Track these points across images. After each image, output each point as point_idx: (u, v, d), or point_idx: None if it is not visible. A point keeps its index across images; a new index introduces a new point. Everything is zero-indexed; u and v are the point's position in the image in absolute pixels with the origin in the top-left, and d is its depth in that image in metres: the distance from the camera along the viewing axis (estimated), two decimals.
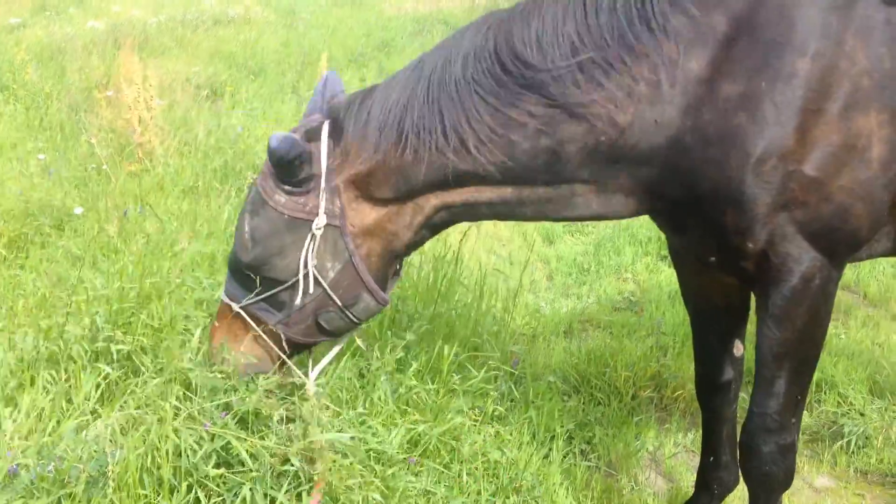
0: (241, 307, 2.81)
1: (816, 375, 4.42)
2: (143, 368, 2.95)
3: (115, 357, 3.07)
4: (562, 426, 3.82)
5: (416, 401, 3.31)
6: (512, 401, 3.87)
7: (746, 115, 2.40)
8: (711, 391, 3.31)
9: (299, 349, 2.97)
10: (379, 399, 3.16)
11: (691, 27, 2.40)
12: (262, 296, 2.77)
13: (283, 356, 2.89)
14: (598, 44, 2.42)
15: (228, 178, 6.13)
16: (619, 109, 2.43)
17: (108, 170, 6.01)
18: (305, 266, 2.70)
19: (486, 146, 2.53)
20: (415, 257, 4.51)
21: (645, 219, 3.03)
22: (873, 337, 5.08)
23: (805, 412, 4.25)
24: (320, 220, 2.66)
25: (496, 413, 3.65)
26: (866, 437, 4.00)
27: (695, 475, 3.55)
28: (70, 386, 2.99)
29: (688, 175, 2.49)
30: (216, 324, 2.90)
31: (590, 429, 4.02)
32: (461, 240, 4.40)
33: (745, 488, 2.95)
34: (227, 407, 2.75)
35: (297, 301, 2.75)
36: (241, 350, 2.83)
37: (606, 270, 6.24)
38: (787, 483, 2.88)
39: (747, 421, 2.84)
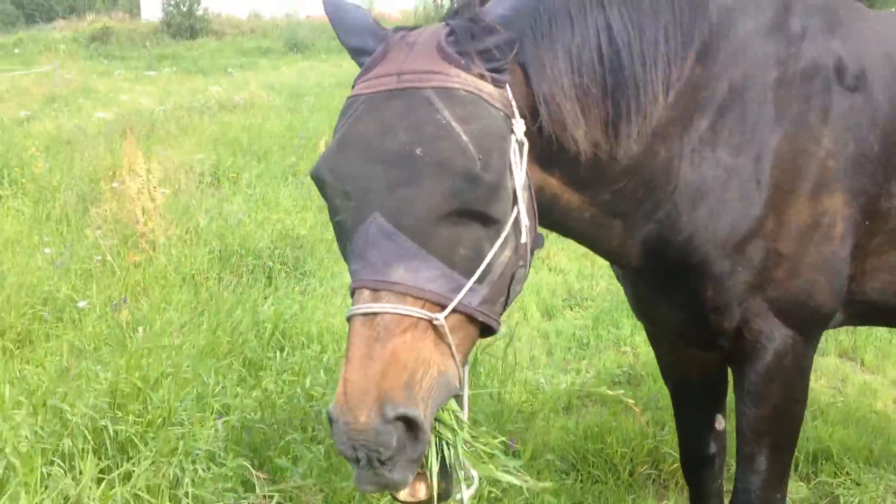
0: (466, 290, 1.89)
1: (813, 446, 4.46)
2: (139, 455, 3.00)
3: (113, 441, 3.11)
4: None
5: None
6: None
7: (738, 190, 2.48)
8: (696, 466, 3.35)
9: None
10: None
11: (704, 89, 2.46)
12: (494, 251, 1.94)
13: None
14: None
15: (228, 265, 6.26)
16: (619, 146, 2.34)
17: (112, 261, 6.15)
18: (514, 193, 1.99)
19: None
20: None
21: None
22: (870, 404, 5.09)
23: (802, 483, 4.26)
24: (521, 123, 2.05)
25: (492, 496, 3.69)
26: None
27: None
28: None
29: (683, 238, 2.52)
30: (385, 355, 1.79)
31: None
32: None
33: None
34: None
35: (508, 249, 2.00)
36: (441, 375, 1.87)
37: (605, 344, 6.29)
38: None
39: (733, 498, 2.88)
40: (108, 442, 3.05)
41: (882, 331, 6.09)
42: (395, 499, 1.92)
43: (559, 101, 2.19)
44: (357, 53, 2.13)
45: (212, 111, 15.68)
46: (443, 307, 1.86)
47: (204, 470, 2.83)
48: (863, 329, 6.07)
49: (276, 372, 4.23)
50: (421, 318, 1.83)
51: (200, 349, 4.26)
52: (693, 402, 3.30)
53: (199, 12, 41.79)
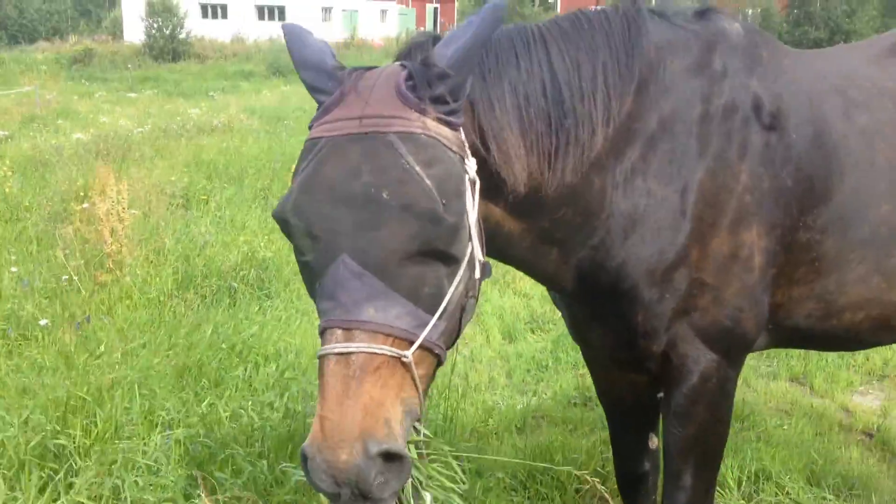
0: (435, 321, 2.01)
1: (755, 466, 4.57)
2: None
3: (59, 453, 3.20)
4: None
5: None
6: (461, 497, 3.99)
7: (666, 220, 2.61)
8: (630, 484, 3.47)
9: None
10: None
11: (636, 121, 2.58)
12: (453, 287, 2.04)
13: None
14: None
15: (193, 285, 6.35)
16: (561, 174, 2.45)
17: (78, 281, 6.22)
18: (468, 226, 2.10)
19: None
20: None
21: None
22: (816, 427, 5.22)
23: (743, 501, 4.37)
24: (472, 162, 2.15)
25: None
26: None
27: None
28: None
29: (616, 265, 2.63)
30: (369, 393, 1.88)
31: None
32: None
33: None
34: None
35: (462, 284, 2.09)
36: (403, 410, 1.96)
37: (564, 366, 6.39)
38: None
39: None
40: (52, 454, 3.15)
41: (833, 356, 6.24)
42: None
43: (506, 136, 2.30)
44: (312, 90, 2.19)
45: (189, 134, 15.74)
46: (409, 342, 1.95)
47: (144, 481, 2.92)
48: (814, 355, 6.22)
49: (231, 389, 4.31)
50: (390, 356, 1.91)
51: (158, 367, 4.34)
52: (627, 422, 3.41)
53: (182, 35, 41.98)
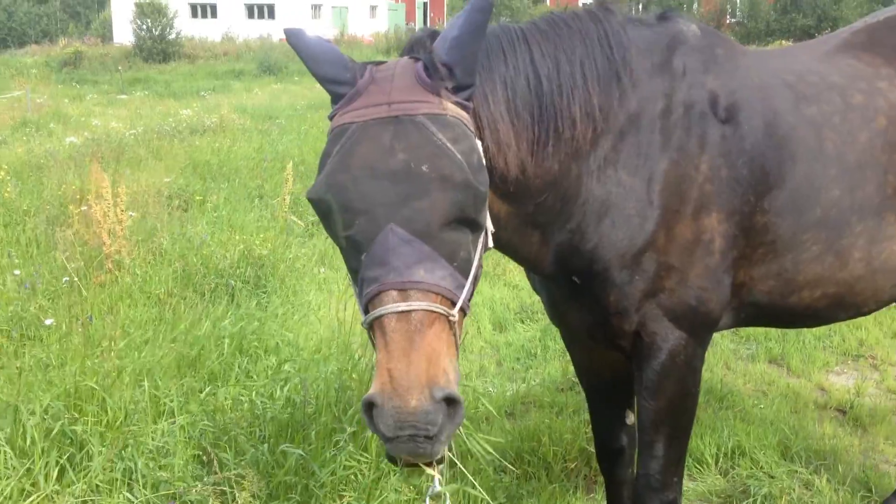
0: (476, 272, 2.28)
1: (731, 442, 4.81)
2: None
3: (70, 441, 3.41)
4: (494, 500, 4.16)
5: (349, 479, 3.68)
6: (452, 477, 4.22)
7: (634, 207, 2.84)
8: (609, 457, 3.69)
9: None
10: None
11: (611, 115, 2.81)
12: (478, 252, 2.31)
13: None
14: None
15: (192, 284, 6.56)
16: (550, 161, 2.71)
17: (78, 282, 6.42)
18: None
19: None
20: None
21: None
22: (792, 405, 5.46)
23: (720, 476, 4.61)
24: (480, 143, 2.40)
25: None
26: (773, 497, 4.35)
27: None
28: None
29: (590, 248, 2.85)
30: (433, 344, 2.08)
31: (519, 502, 4.36)
32: None
33: None
34: (175, 497, 3.10)
35: (480, 250, 2.35)
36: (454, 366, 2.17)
37: (553, 354, 6.62)
38: None
39: (635, 481, 3.24)
40: (69, 440, 3.36)
41: (809, 337, 6.49)
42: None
43: (498, 126, 2.56)
44: (330, 82, 2.37)
45: (182, 135, 15.90)
46: (452, 302, 2.15)
47: (154, 462, 3.15)
48: (791, 336, 6.47)
49: (231, 380, 4.53)
50: (441, 314, 2.11)
51: (162, 361, 4.56)
52: (605, 399, 3.64)
53: (172, 36, 42.06)
